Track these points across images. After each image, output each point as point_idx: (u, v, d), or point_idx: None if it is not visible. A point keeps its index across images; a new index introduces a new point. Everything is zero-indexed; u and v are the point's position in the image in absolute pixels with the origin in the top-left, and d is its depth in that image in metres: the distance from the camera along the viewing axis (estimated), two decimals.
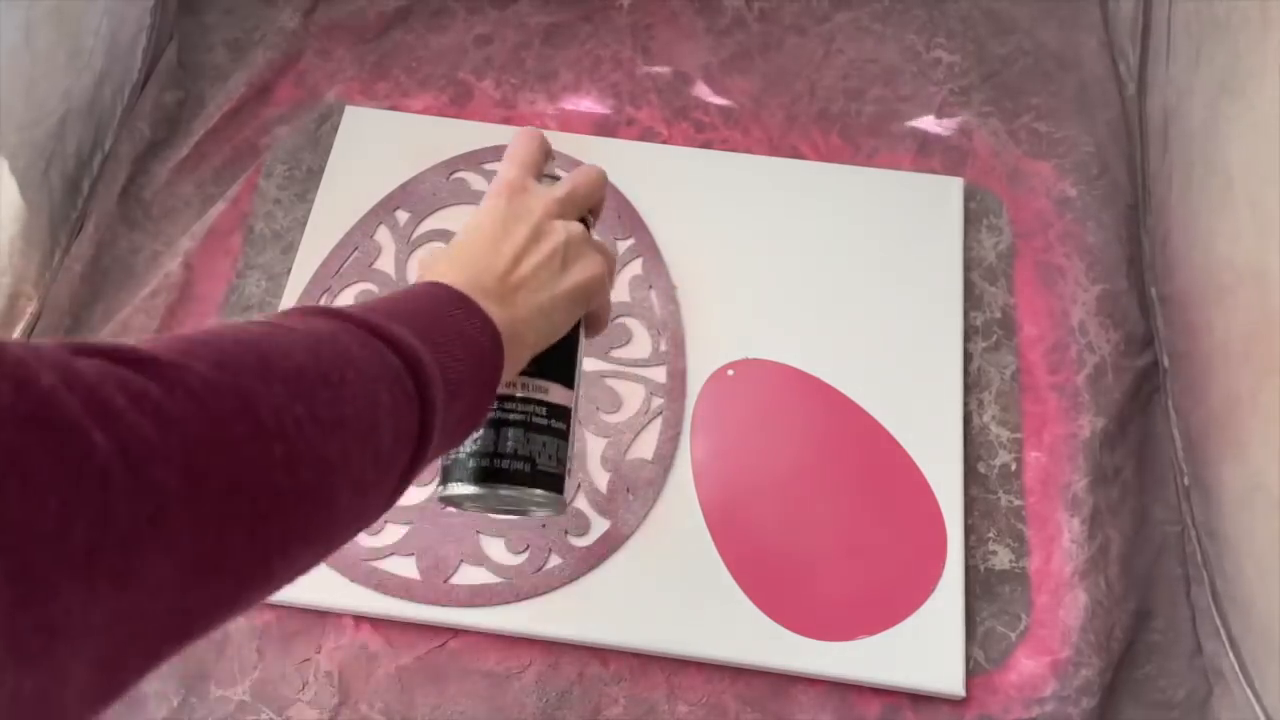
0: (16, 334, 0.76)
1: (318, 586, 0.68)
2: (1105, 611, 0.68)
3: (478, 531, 0.70)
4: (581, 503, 0.71)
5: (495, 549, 0.69)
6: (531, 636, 0.67)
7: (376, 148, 0.84)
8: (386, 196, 0.82)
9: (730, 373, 0.75)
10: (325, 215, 0.81)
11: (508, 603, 0.68)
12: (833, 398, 0.74)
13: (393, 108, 0.88)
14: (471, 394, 0.41)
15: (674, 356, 0.75)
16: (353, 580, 0.68)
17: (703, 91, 0.89)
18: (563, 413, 0.49)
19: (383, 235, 0.80)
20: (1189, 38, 0.73)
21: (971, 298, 0.78)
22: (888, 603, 0.67)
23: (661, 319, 0.77)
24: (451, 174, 0.83)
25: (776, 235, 0.80)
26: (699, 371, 0.75)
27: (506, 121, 0.87)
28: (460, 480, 0.47)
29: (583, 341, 0.51)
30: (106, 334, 0.77)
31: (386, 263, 0.79)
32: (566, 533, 0.70)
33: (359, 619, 0.68)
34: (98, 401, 0.25)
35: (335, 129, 0.85)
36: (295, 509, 0.31)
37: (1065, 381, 0.76)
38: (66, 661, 0.23)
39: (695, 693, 0.66)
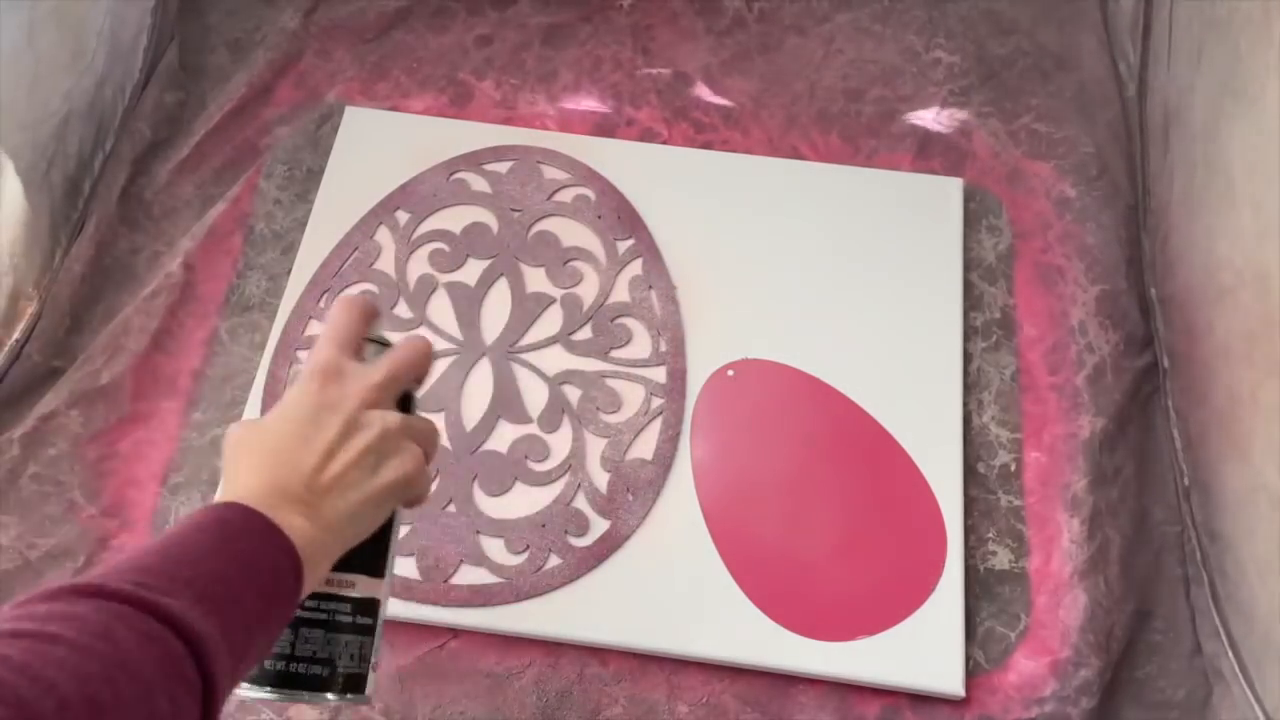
0: (16, 334, 0.76)
1: None
2: (1105, 612, 0.68)
3: (478, 532, 0.70)
4: (581, 503, 0.71)
5: (495, 549, 0.69)
6: (531, 636, 0.67)
7: (376, 148, 0.84)
8: (386, 197, 0.82)
9: (730, 373, 0.75)
10: (325, 215, 0.81)
11: (508, 603, 0.68)
12: (832, 398, 0.74)
13: (393, 108, 0.88)
14: (265, 635, 0.39)
15: (674, 356, 0.75)
16: None
17: (703, 92, 0.89)
18: (370, 606, 0.46)
19: (383, 235, 0.80)
20: (1190, 38, 0.73)
21: (971, 298, 0.79)
22: (888, 603, 0.67)
23: (661, 319, 0.77)
24: (451, 174, 0.83)
25: (776, 235, 0.80)
26: (699, 371, 0.75)
27: (507, 122, 0.87)
28: (254, 683, 0.44)
29: (398, 524, 0.49)
30: (106, 334, 0.78)
31: (386, 263, 0.79)
32: (566, 533, 0.70)
33: None
34: None
35: (335, 129, 0.85)
36: None
37: (1065, 382, 0.76)
38: None
39: (695, 693, 0.66)
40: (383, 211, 0.81)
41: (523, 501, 0.71)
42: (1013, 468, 0.73)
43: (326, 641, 0.45)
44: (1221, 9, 0.68)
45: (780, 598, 0.68)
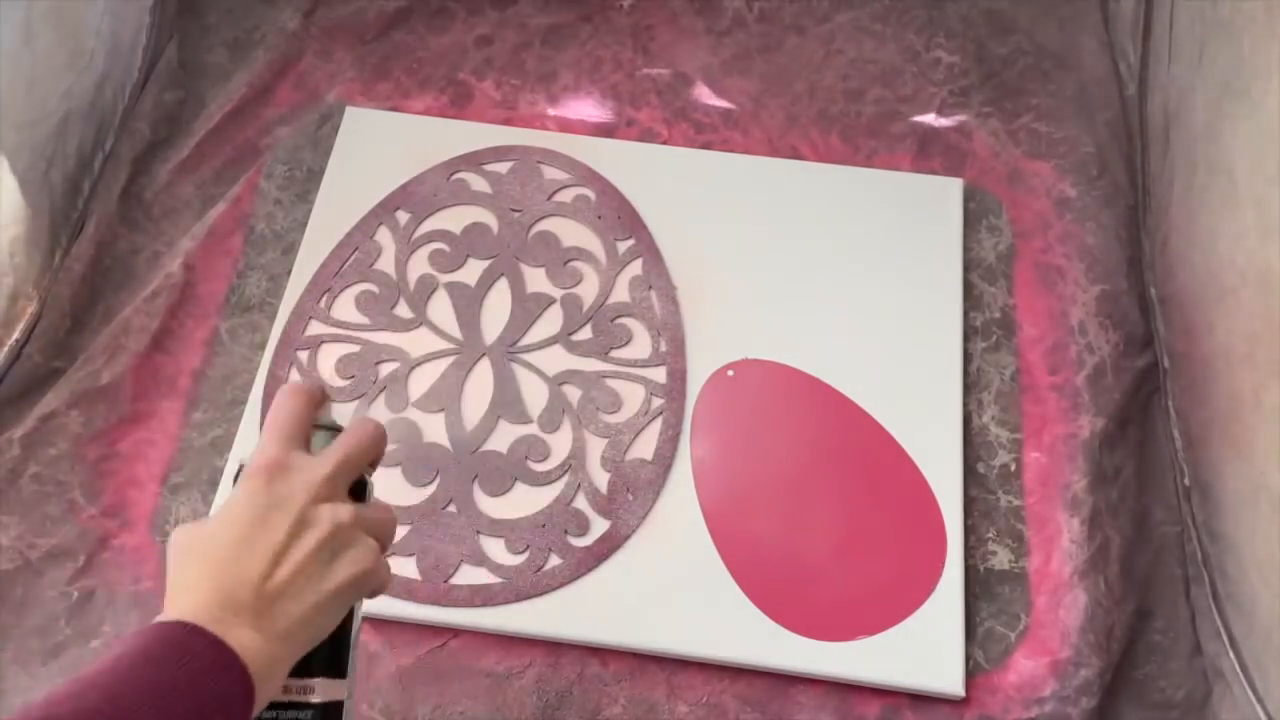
0: (16, 334, 0.76)
1: None
2: (1105, 612, 0.68)
3: (478, 532, 0.70)
4: (581, 503, 0.71)
5: (495, 549, 0.69)
6: (531, 636, 0.67)
7: (377, 148, 0.84)
8: (387, 197, 0.82)
9: (730, 373, 0.75)
10: (326, 216, 0.81)
11: (508, 603, 0.68)
12: (832, 398, 0.74)
13: (393, 108, 0.88)
14: None
15: (674, 357, 0.75)
16: None
17: (703, 92, 0.89)
18: (333, 711, 0.44)
19: (383, 236, 0.80)
20: (1191, 38, 0.73)
21: (971, 298, 0.78)
22: (887, 603, 0.67)
23: (661, 319, 0.77)
24: (452, 175, 0.83)
25: (776, 236, 0.80)
26: (699, 372, 0.75)
27: (507, 122, 0.87)
28: None
29: (358, 617, 0.47)
30: (107, 334, 0.78)
31: (387, 263, 0.79)
32: (566, 533, 0.70)
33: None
34: None
35: (336, 130, 0.85)
36: None
37: (1065, 382, 0.76)
38: None
39: (695, 693, 0.66)
40: (383, 212, 0.81)
41: (523, 501, 0.71)
42: (1012, 468, 0.73)
43: None
44: (1224, 9, 0.68)
45: (780, 598, 0.67)
